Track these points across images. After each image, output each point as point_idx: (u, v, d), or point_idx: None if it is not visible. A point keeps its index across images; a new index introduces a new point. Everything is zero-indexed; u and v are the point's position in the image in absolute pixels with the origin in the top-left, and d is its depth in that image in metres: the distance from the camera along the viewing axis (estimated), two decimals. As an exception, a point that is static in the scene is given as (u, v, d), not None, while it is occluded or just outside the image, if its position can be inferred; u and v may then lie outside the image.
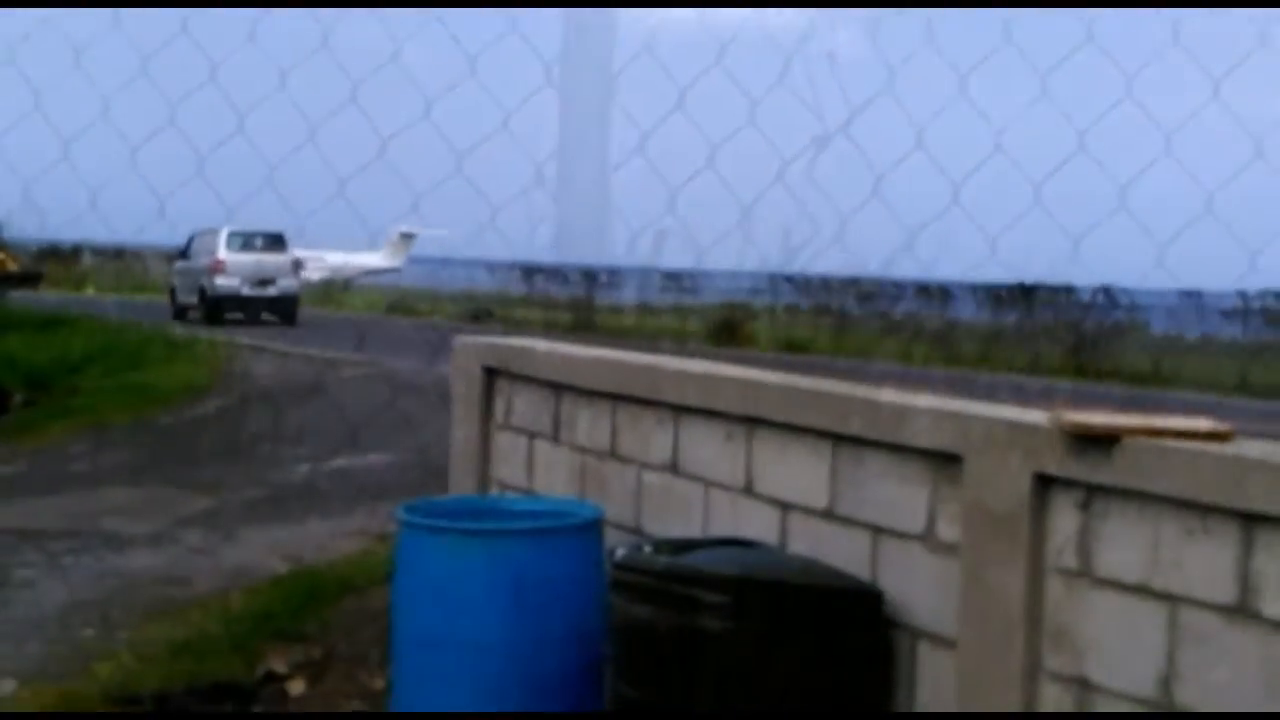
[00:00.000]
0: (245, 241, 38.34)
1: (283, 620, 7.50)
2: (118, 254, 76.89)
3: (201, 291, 38.52)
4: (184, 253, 40.39)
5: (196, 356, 25.52)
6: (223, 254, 37.76)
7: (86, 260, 73.70)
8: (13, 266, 43.33)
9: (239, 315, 37.90)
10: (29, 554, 9.44)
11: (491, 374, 7.18)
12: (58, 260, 71.60)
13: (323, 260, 62.04)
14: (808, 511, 5.08)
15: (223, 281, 37.83)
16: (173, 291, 41.82)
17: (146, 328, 31.33)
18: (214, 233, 37.36)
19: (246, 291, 38.13)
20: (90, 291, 60.40)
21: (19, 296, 34.92)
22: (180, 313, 39.62)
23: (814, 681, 4.46)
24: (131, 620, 7.80)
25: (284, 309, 38.63)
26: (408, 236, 73.40)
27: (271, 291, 38.61)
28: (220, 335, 30.46)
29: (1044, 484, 4.07)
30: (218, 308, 37.74)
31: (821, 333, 41.37)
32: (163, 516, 10.92)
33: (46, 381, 22.11)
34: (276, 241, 38.00)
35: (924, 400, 4.74)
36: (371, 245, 71.68)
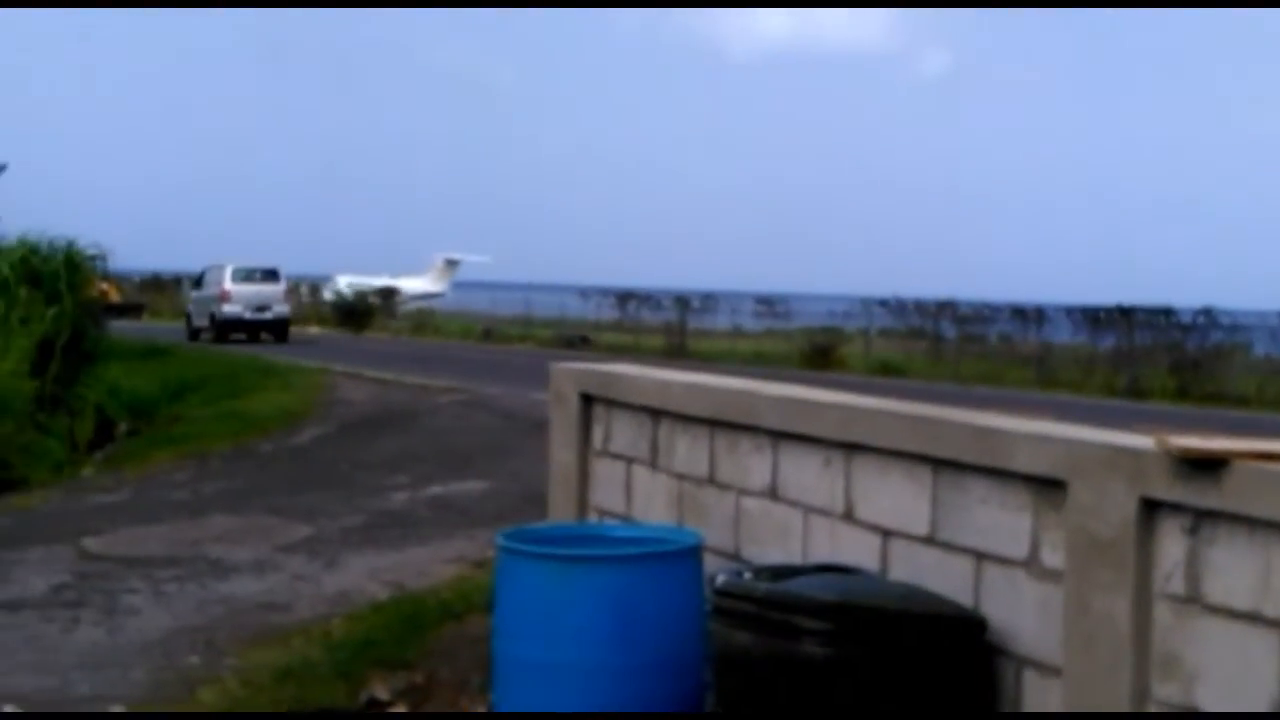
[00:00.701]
0: (247, 275, 45.09)
1: (385, 647, 7.54)
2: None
3: (212, 316, 44.74)
4: (197, 284, 47.81)
5: (292, 384, 25.84)
6: (229, 285, 44.34)
7: (186, 290, 74.82)
8: (116, 297, 44.36)
9: (242, 336, 43.94)
10: (135, 581, 9.58)
11: (589, 400, 7.20)
12: (159, 290, 73.04)
13: (369, 285, 67.03)
14: (908, 537, 5.06)
15: (229, 308, 44.20)
16: (188, 316, 47.93)
17: (243, 356, 31.82)
18: (221, 268, 45.01)
19: (248, 316, 44.50)
20: (190, 321, 61.33)
21: (122, 326, 35.63)
22: (194, 334, 45.29)
23: (915, 709, 4.43)
24: (235, 647, 7.88)
25: (278, 330, 45.01)
26: (452, 263, 78.51)
27: (268, 315, 44.94)
28: (315, 362, 30.82)
29: (1150, 509, 4.02)
30: (225, 329, 43.96)
31: (915, 357, 41.15)
32: (264, 543, 11.03)
33: (149, 410, 22.52)
34: (271, 275, 45.81)
35: (1026, 424, 4.71)
36: (416, 270, 76.92)
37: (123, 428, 21.07)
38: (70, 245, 21.95)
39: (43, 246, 21.70)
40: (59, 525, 11.99)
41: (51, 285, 20.56)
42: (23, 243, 21.65)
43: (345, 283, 68.45)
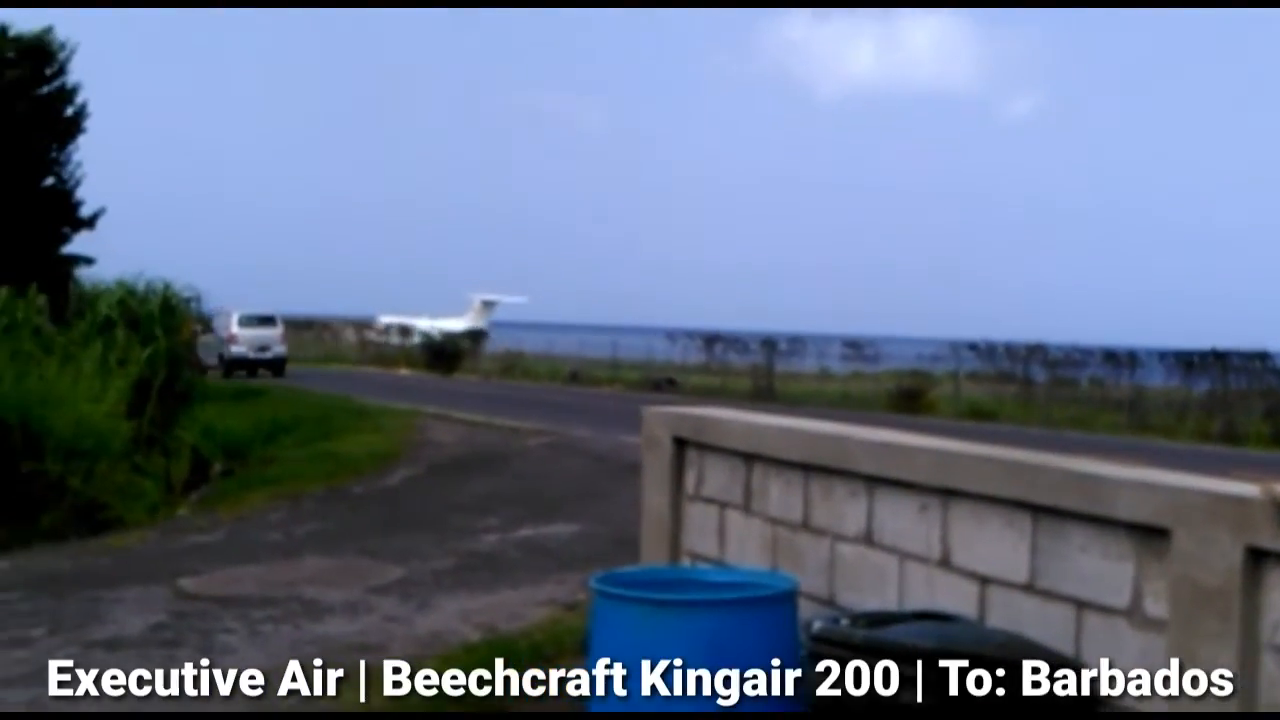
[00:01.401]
0: (249, 320, 51.50)
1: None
2: (308, 325, 79.28)
3: (220, 355, 49.85)
4: (207, 328, 50.75)
5: (383, 426, 26.03)
6: (235, 329, 50.51)
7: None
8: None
9: (243, 372, 48.98)
10: (230, 621, 9.68)
11: (681, 444, 7.21)
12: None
13: (412, 325, 71.48)
14: (1007, 585, 5.01)
15: (236, 349, 50.48)
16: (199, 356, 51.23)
17: (335, 397, 32.09)
18: (228, 314, 50.53)
19: (252, 355, 50.78)
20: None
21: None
22: (203, 371, 48.14)
23: (1016, 758, 4.38)
24: (329, 688, 7.93)
25: (276, 367, 50.77)
26: (489, 304, 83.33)
27: (268, 355, 51.25)
28: (405, 404, 31.03)
29: (1256, 558, 3.97)
30: (232, 367, 49.53)
31: (1005, 401, 40.79)
32: (357, 584, 11.12)
33: (242, 451, 22.78)
34: (270, 320, 52.65)
35: (1127, 471, 4.66)
36: (456, 311, 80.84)
37: (217, 468, 21.34)
38: (167, 288, 22.33)
39: (139, 289, 22.10)
40: (155, 565, 12.15)
41: (148, 327, 20.92)
42: (121, 285, 22.04)
43: (429, 325, 71.39)
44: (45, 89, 22.52)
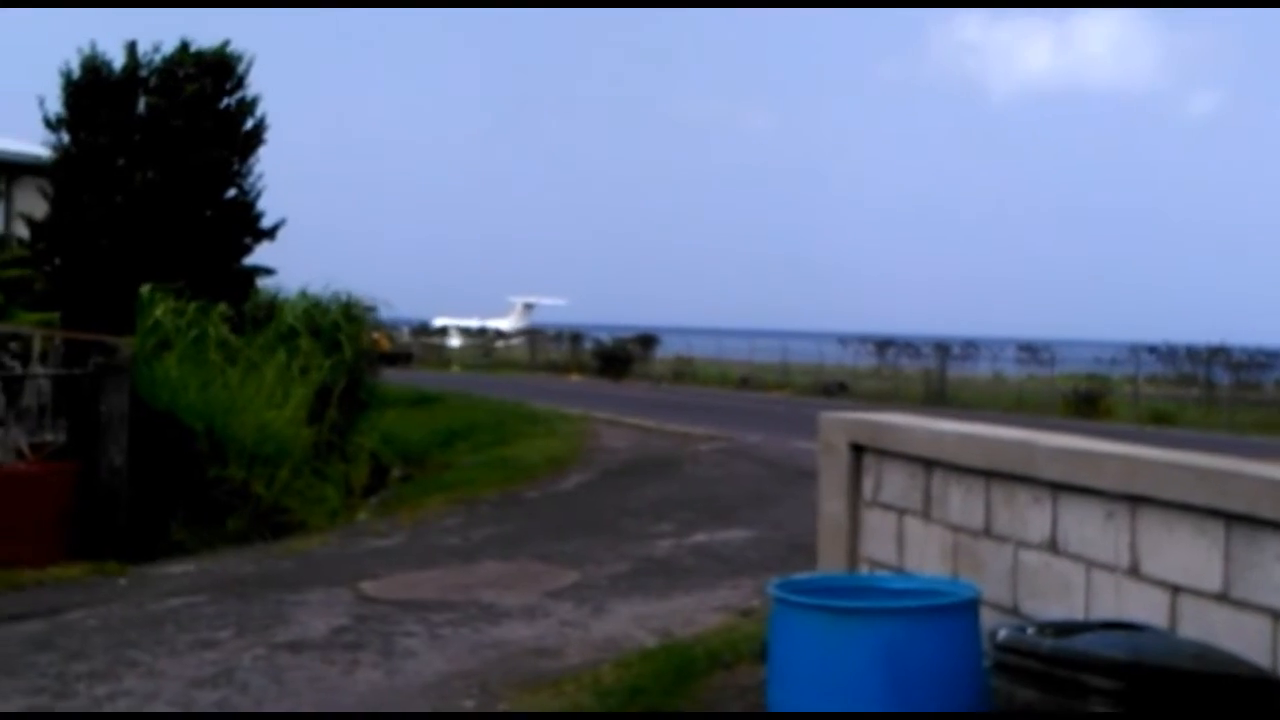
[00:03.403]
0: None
1: (654, 695, 7.57)
2: (480, 332, 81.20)
3: None
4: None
5: (557, 431, 26.25)
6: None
7: (452, 339, 78.03)
8: (387, 346, 45.87)
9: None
10: (410, 624, 9.83)
11: (859, 450, 7.15)
12: (427, 338, 76.10)
13: (461, 325, 78.32)
14: (1199, 594, 4.88)
15: None
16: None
17: (509, 403, 32.46)
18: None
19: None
20: (455, 369, 63.24)
21: (390, 374, 36.77)
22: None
23: (1210, 773, 4.26)
24: (509, 691, 8.01)
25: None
26: (529, 306, 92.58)
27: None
28: (578, 409, 31.24)
29: None
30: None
31: (1186, 405, 39.84)
32: (533, 589, 11.22)
33: (420, 457, 23.14)
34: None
35: (1327, 478, 4.51)
36: (501, 313, 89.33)
37: (395, 474, 21.68)
38: (349, 297, 22.76)
39: (321, 298, 22.55)
40: (337, 569, 12.39)
41: (330, 336, 21.32)
42: (303, 295, 22.51)
43: (507, 325, 78.22)
44: (226, 102, 23.06)
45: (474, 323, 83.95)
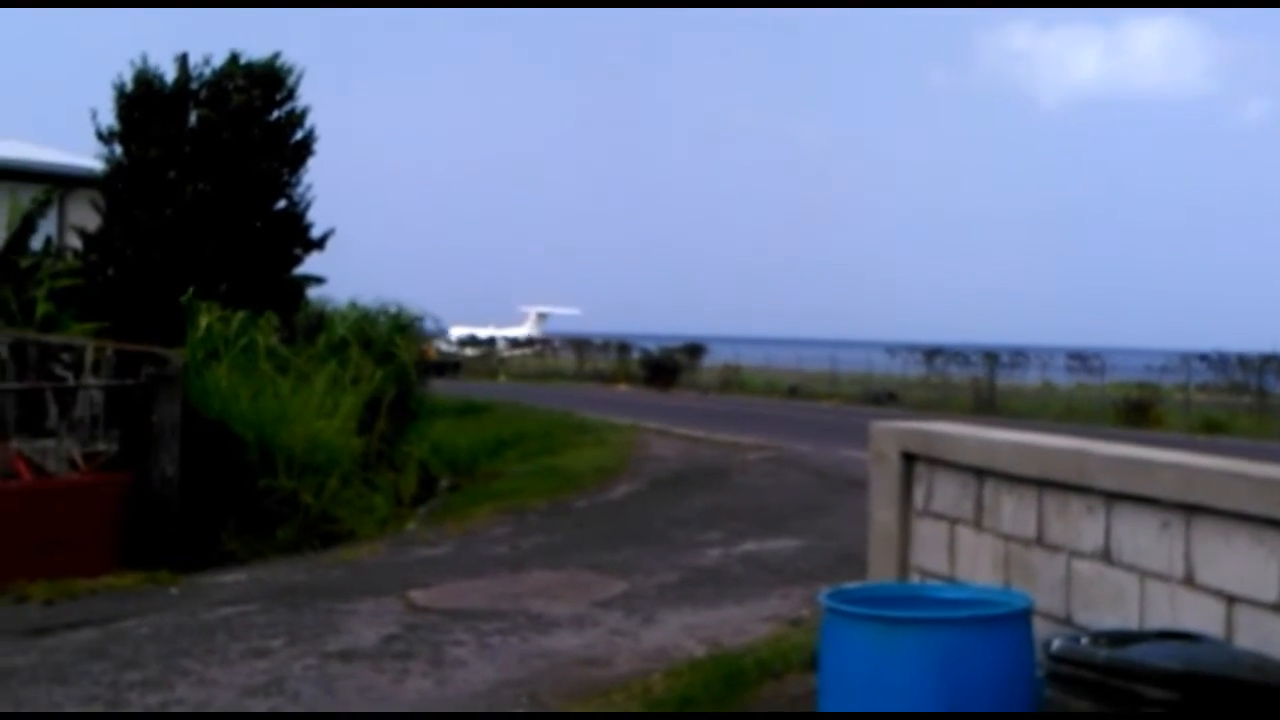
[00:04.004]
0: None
1: (704, 705, 7.56)
2: (529, 342, 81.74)
3: None
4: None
5: (605, 440, 26.27)
6: None
7: (501, 349, 78.58)
8: (434, 356, 45.99)
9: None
10: (460, 633, 9.85)
11: (910, 459, 7.11)
12: (476, 349, 76.71)
13: (474, 334, 79.26)
14: (1256, 604, 4.83)
15: None
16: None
17: (557, 413, 32.50)
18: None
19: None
20: (502, 379, 63.41)
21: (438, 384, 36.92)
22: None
23: (1268, 785, 4.22)
24: (558, 700, 8.02)
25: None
26: (543, 315, 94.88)
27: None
28: (626, 419, 31.24)
29: None
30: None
31: (1238, 414, 39.48)
32: (582, 598, 11.22)
33: (468, 466, 23.19)
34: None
35: (1385, 487, 4.46)
36: (515, 322, 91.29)
37: (444, 483, 21.74)
38: (399, 308, 22.86)
39: (371, 309, 22.66)
40: (386, 578, 12.42)
41: (381, 346, 21.42)
42: (353, 306, 22.63)
43: (493, 334, 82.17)
44: (275, 114, 23.20)
45: (488, 330, 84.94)
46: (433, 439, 23.27)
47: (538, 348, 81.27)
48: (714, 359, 67.46)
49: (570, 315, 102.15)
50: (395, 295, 24.59)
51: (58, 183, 25.94)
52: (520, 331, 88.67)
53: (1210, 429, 35.51)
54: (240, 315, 19.47)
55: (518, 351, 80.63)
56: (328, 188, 24.86)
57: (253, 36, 27.23)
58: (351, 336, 21.15)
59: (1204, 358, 43.23)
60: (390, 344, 21.68)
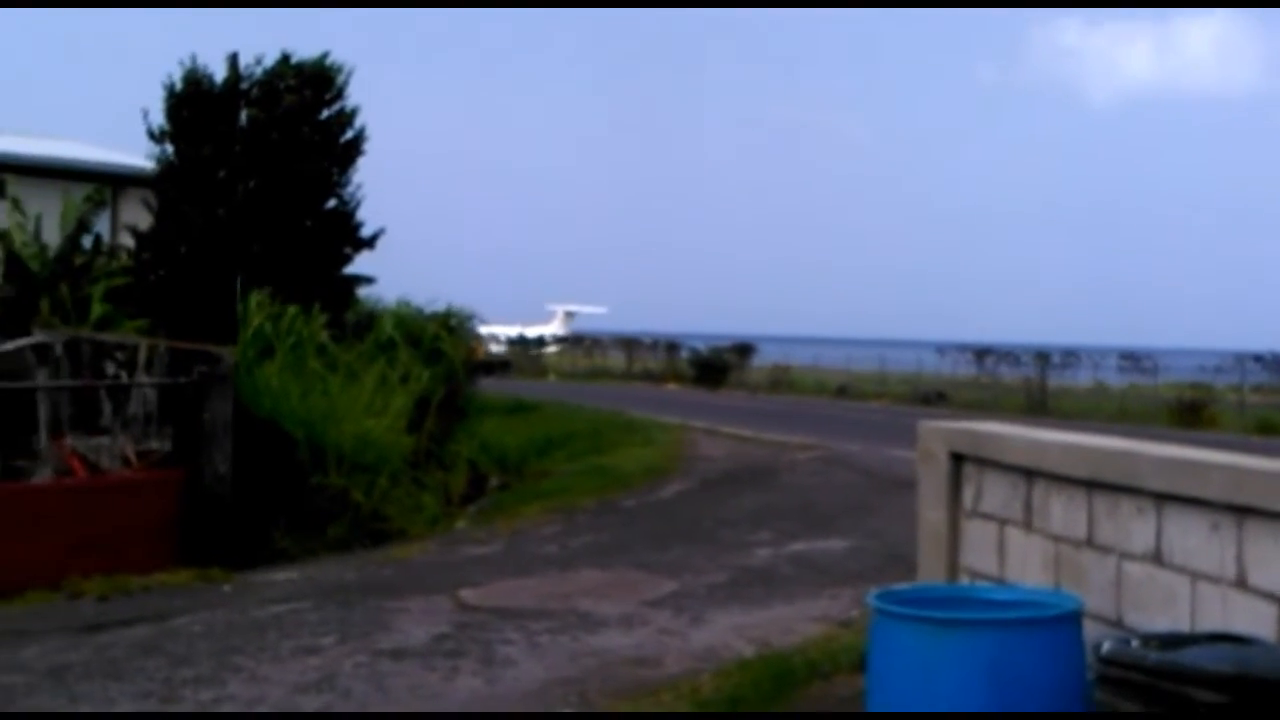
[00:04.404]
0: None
1: (753, 705, 7.57)
2: (577, 340, 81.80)
3: None
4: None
5: (654, 440, 26.25)
6: None
7: (549, 348, 78.85)
8: (482, 355, 46.11)
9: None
10: (509, 632, 9.89)
11: (959, 459, 7.09)
12: (524, 348, 76.97)
13: (523, 334, 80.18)
14: (1308, 607, 4.80)
15: None
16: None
17: (605, 412, 32.51)
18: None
19: None
20: (551, 379, 63.50)
21: (491, 384, 37.02)
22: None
23: (1321, 789, 4.19)
24: (607, 700, 8.05)
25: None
26: (570, 314, 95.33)
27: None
28: (675, 418, 31.22)
29: None
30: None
31: (1294, 415, 39.11)
32: (631, 598, 11.24)
33: (517, 465, 23.24)
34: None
35: None
36: (541, 320, 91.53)
37: (493, 482, 21.80)
38: (447, 307, 22.94)
39: (420, 309, 22.76)
40: (436, 576, 12.49)
41: (429, 345, 21.51)
42: (402, 305, 22.73)
43: (548, 334, 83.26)
44: (325, 113, 23.31)
45: (514, 329, 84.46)
46: (482, 438, 23.34)
47: (583, 344, 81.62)
48: (763, 359, 67.34)
49: (597, 314, 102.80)
50: (433, 294, 24.69)
51: (110, 182, 26.20)
52: (548, 330, 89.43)
53: (1265, 430, 35.17)
54: (292, 310, 19.56)
55: (553, 349, 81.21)
56: (376, 188, 24.95)
57: (303, 36, 27.43)
58: (399, 336, 21.24)
59: (1259, 358, 42.86)
60: (438, 342, 21.74)
